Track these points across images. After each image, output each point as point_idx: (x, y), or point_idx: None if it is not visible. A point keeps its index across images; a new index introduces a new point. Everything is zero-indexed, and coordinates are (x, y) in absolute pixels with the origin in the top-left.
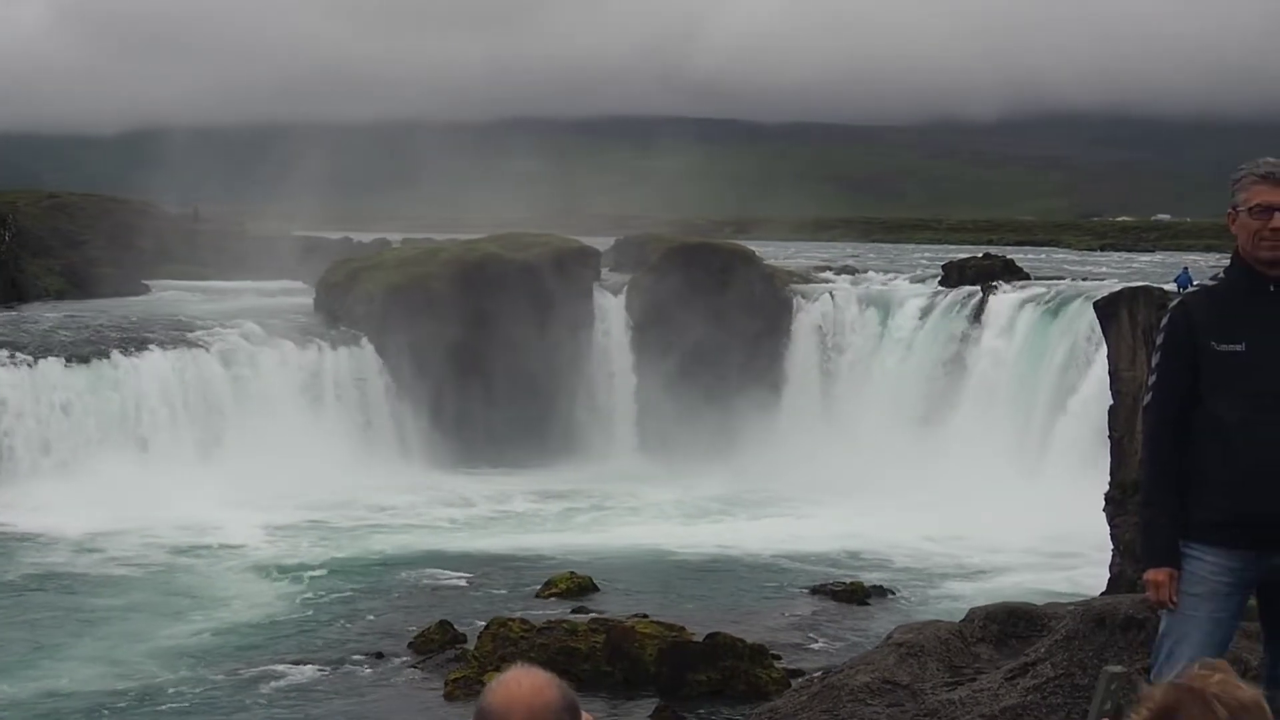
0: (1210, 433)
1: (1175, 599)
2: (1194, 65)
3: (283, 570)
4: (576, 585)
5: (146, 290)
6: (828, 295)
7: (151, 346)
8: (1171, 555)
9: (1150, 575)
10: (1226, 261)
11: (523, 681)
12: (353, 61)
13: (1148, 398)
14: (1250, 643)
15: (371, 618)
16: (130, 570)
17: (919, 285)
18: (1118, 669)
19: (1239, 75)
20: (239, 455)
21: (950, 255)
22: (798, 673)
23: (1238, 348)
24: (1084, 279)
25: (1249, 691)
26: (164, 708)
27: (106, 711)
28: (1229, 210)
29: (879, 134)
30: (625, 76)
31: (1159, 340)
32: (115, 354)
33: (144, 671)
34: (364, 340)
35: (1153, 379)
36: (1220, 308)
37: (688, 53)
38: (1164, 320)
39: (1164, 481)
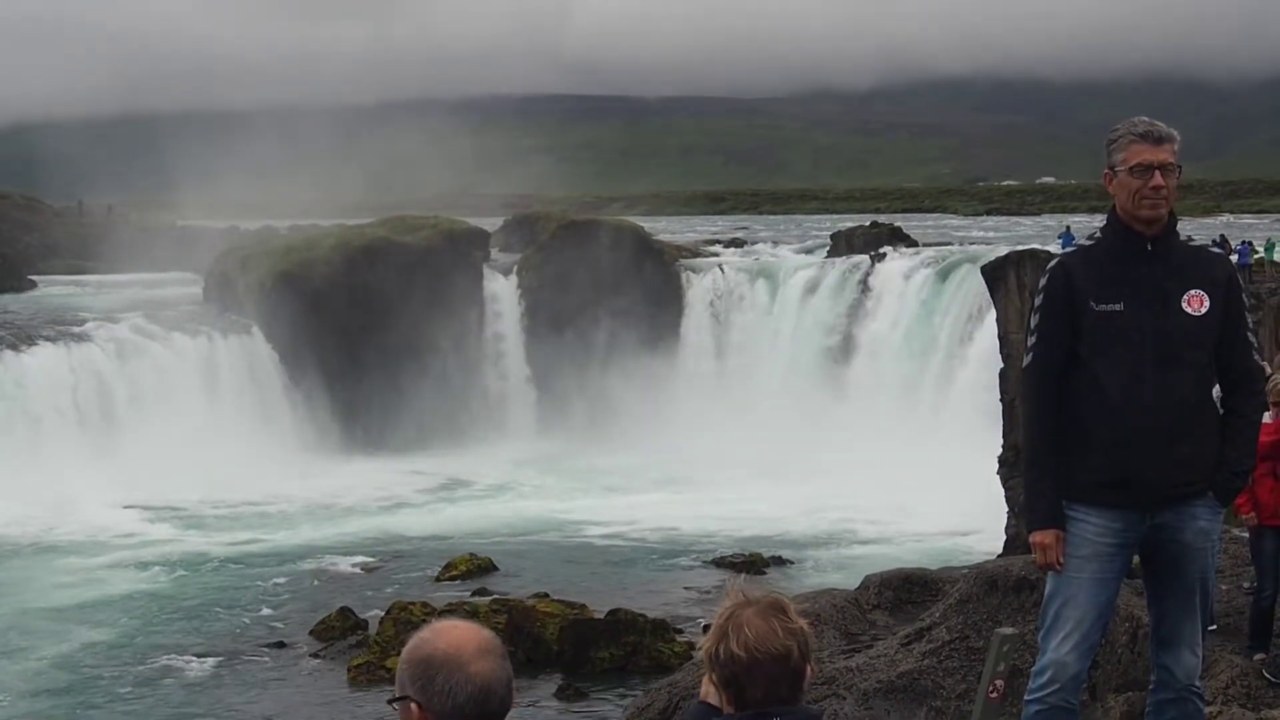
0: (1090, 393)
1: (1062, 560)
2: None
3: (180, 563)
4: (476, 567)
5: (33, 286)
6: (717, 269)
7: (41, 342)
8: (1056, 517)
9: (1036, 538)
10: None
11: (458, 625)
12: (231, 49)
13: (1027, 359)
14: (1141, 599)
15: (271, 608)
16: (26, 568)
17: (808, 255)
18: (1010, 631)
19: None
20: (133, 449)
21: (837, 225)
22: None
23: (1116, 307)
24: (971, 244)
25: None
26: (65, 704)
27: (7, 709)
28: (1105, 171)
29: (757, 106)
30: (502, 56)
31: (1037, 301)
32: (5, 352)
33: (44, 669)
34: (254, 329)
35: (1032, 340)
36: (1098, 268)
37: (562, 30)
38: (1042, 281)
39: (1046, 443)
